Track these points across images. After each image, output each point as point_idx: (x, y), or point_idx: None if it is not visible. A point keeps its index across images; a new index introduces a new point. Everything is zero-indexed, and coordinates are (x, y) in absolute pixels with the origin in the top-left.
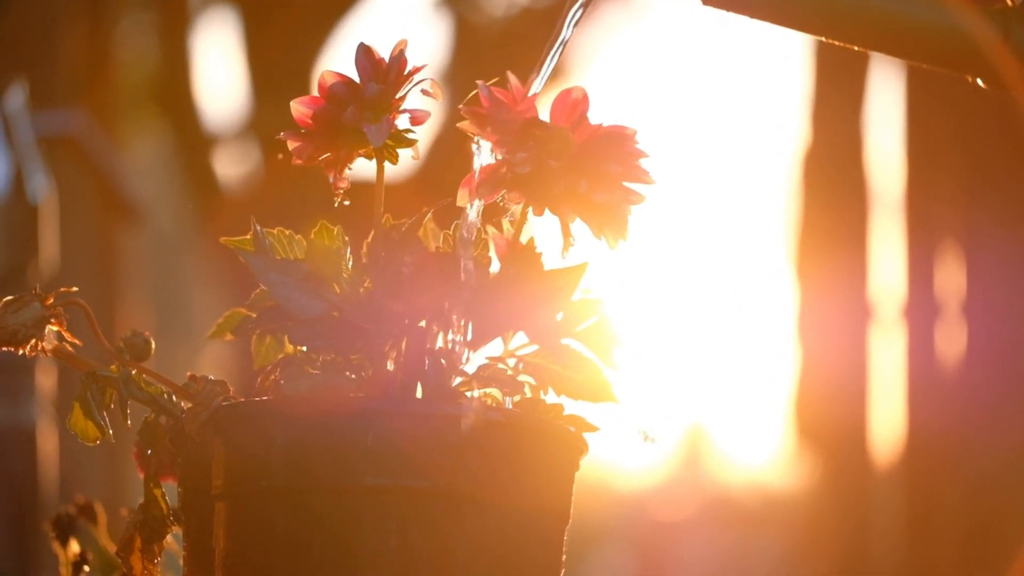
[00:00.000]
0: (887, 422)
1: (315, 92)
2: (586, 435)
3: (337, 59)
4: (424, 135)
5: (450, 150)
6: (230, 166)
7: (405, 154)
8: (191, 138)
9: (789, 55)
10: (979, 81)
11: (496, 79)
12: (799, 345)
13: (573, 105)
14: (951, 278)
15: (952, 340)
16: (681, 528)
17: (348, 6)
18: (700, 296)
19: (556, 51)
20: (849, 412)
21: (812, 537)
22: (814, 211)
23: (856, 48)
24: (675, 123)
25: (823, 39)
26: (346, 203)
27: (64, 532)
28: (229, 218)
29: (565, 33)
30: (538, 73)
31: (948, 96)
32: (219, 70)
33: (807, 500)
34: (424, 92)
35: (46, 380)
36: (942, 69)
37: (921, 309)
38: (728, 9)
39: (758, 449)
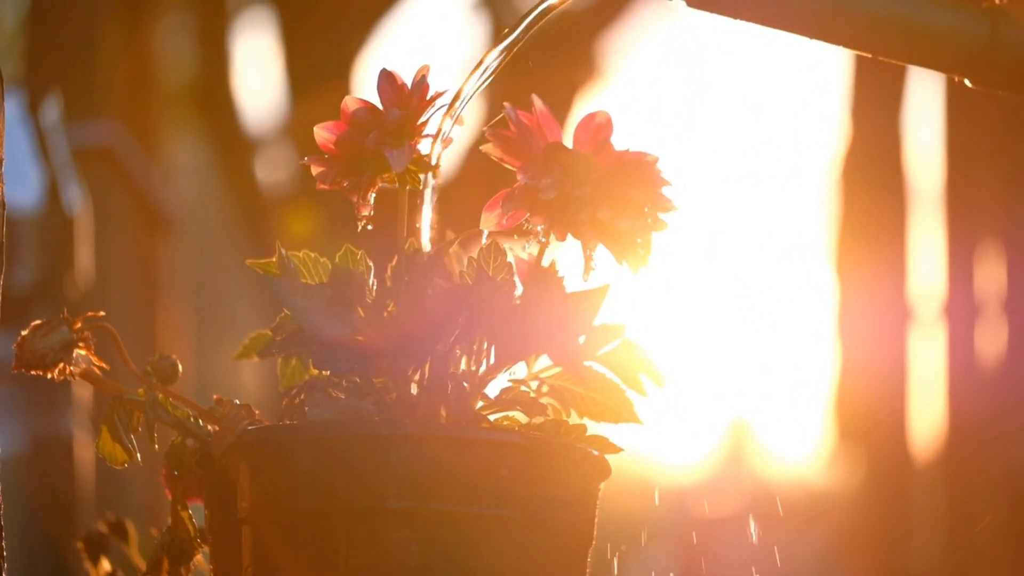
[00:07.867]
0: (927, 419)
1: (353, 95)
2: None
3: (375, 61)
4: (459, 143)
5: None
6: (269, 171)
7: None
8: (229, 144)
9: (829, 54)
10: (966, 81)
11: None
12: (840, 342)
13: (596, 129)
14: (991, 276)
15: (992, 338)
16: (723, 525)
17: (387, 7)
18: (742, 293)
19: None
20: (890, 409)
21: (854, 532)
22: (854, 209)
23: (842, 48)
24: (717, 123)
25: (808, 39)
26: (368, 227)
27: (95, 550)
28: (268, 224)
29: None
30: None
31: (987, 95)
32: (256, 75)
33: (849, 496)
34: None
35: (83, 392)
36: (930, 68)
37: (961, 307)
38: (712, 11)
39: (800, 446)
